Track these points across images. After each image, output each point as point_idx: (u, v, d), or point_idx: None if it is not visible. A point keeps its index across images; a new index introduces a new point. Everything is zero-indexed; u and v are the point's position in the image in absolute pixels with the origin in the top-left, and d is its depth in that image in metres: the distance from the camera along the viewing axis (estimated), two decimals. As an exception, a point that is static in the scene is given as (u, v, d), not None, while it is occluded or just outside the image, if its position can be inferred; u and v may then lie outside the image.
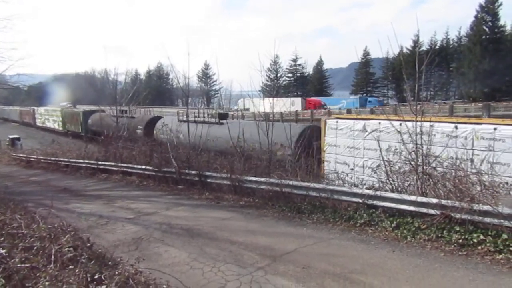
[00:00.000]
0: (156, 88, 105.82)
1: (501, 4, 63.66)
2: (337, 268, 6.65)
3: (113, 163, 18.76)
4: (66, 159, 22.88)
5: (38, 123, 62.68)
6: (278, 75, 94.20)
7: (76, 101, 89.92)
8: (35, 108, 68.94)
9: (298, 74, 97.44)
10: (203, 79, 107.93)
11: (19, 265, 5.13)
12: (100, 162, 19.60)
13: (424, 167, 9.48)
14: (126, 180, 17.13)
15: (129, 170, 17.51)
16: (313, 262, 6.94)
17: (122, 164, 18.08)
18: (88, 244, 6.60)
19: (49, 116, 57.39)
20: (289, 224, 9.45)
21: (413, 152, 9.85)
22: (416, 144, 9.83)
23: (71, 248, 6.08)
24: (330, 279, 6.24)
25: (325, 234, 8.55)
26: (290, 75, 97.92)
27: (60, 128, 51.60)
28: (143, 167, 16.54)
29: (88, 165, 20.31)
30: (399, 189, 9.61)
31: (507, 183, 8.73)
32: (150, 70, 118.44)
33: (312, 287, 6.03)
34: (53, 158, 24.53)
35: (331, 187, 10.27)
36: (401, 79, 53.60)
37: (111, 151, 20.37)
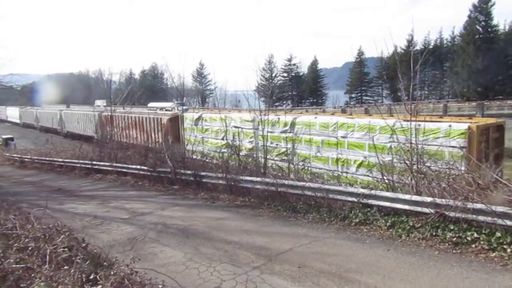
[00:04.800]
0: (151, 87, 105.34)
1: (494, 4, 64.13)
2: (332, 267, 6.67)
3: (107, 163, 18.69)
4: (60, 159, 22.75)
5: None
6: (273, 74, 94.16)
7: (69, 101, 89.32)
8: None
9: (293, 74, 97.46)
10: (198, 79, 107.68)
11: (13, 265, 5.11)
12: (94, 162, 19.51)
13: (419, 166, 9.54)
14: (121, 180, 17.07)
15: (124, 170, 17.45)
16: (309, 261, 6.97)
17: (117, 164, 18.01)
18: (83, 245, 6.57)
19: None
20: (285, 224, 9.47)
21: (408, 151, 9.91)
22: (411, 143, 9.89)
23: (66, 249, 6.06)
24: (325, 278, 6.27)
25: (320, 233, 8.58)
26: (285, 74, 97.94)
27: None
28: (138, 167, 16.49)
29: (83, 165, 20.22)
30: (394, 188, 9.66)
31: (500, 181, 8.82)
32: (145, 69, 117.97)
33: (308, 286, 6.05)
34: (47, 158, 24.38)
35: (326, 187, 10.30)
36: (395, 79, 53.77)
37: (105, 151, 20.30)
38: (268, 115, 15.87)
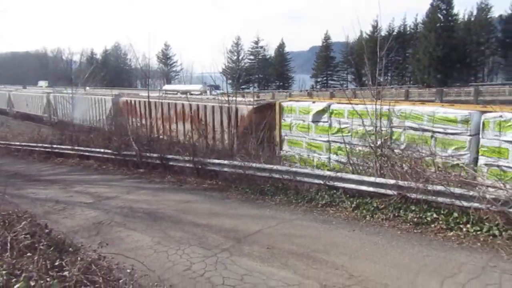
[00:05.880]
0: (114, 68, 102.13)
1: (455, -7, 66.19)
2: (300, 248, 6.82)
3: (69, 147, 18.06)
4: (17, 143, 21.73)
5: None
6: (240, 57, 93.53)
7: (26, 81, 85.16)
8: None
9: (260, 57, 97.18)
10: (163, 60, 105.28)
11: (-29, 254, 4.88)
12: (55, 146, 18.79)
13: (383, 150, 9.84)
14: (84, 164, 16.56)
15: (86, 153, 16.93)
16: (277, 243, 7.08)
17: (79, 148, 17.45)
18: (46, 231, 6.36)
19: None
20: (253, 206, 9.55)
21: (372, 135, 10.18)
22: (376, 127, 10.16)
23: (28, 235, 5.83)
24: (293, 259, 6.40)
25: (288, 215, 8.72)
26: (252, 57, 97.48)
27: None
28: (102, 150, 16.04)
29: (42, 149, 19.41)
30: (359, 170, 9.93)
31: (458, 164, 9.28)
32: (107, 49, 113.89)
33: (277, 266, 6.16)
34: (2, 142, 23.21)
35: (293, 169, 10.46)
36: (360, 64, 54.77)
37: (66, 134, 19.58)
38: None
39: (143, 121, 19.95)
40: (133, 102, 21.87)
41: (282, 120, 14.78)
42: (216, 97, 19.82)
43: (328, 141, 13.25)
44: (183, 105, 18.68)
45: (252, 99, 17.44)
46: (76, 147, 17.58)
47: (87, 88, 31.95)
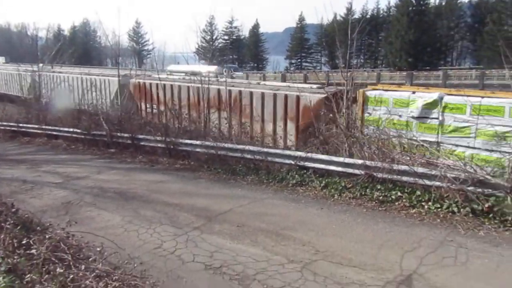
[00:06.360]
0: (83, 46, 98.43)
1: (427, -23, 66.94)
2: (270, 226, 7.00)
3: (36, 126, 17.49)
4: (-20, 122, 20.82)
5: None
6: (214, 37, 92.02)
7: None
8: None
9: (234, 37, 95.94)
10: (135, 38, 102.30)
11: None
12: (21, 125, 18.17)
13: (352, 131, 10.08)
14: (52, 144, 16.13)
15: (54, 133, 16.47)
16: (248, 221, 7.23)
17: (47, 127, 16.93)
18: (13, 210, 6.24)
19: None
20: (225, 186, 9.65)
21: (342, 117, 10.39)
22: (346, 109, 10.37)
23: (-7, 214, 5.74)
24: (263, 236, 6.57)
25: (259, 194, 8.88)
26: (226, 37, 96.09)
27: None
28: (71, 129, 15.63)
29: (7, 128, 18.72)
30: (329, 151, 10.16)
31: (422, 145, 9.61)
32: (75, 26, 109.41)
33: (246, 243, 6.32)
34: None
35: (265, 150, 10.57)
36: (333, 46, 55.04)
37: (33, 113, 18.94)
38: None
39: (161, 108, 17.08)
40: (147, 84, 18.40)
41: (366, 114, 11.45)
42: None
43: (437, 142, 10.17)
44: (218, 90, 15.19)
45: (312, 85, 14.41)
46: (44, 126, 17.04)
47: (89, 69, 27.39)
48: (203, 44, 79.67)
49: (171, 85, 17.09)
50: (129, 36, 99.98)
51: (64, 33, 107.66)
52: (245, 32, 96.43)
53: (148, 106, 18.11)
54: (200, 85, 15.27)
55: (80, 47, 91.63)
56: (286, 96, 12.97)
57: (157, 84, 17.43)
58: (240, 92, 14.41)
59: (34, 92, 27.18)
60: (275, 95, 13.33)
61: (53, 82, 25.93)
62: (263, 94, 13.71)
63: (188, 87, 16.41)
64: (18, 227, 5.39)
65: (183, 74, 32.22)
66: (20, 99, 27.32)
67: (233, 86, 15.36)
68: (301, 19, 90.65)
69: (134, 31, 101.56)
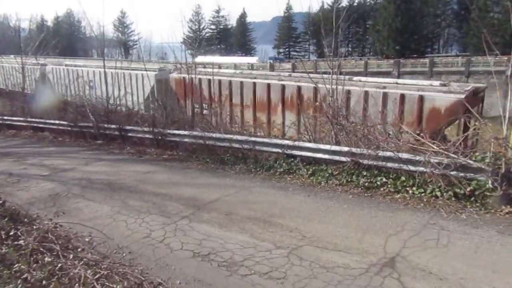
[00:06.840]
0: (67, 37, 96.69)
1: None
2: (257, 213, 7.09)
3: (21, 118, 17.28)
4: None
5: None
6: (201, 26, 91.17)
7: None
8: None
9: (221, 27, 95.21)
10: (120, 28, 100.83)
11: None
12: (6, 117, 17.92)
13: (339, 119, 10.18)
14: (38, 136, 15.99)
15: (40, 125, 16.30)
16: (236, 209, 7.32)
17: (32, 119, 16.74)
18: (0, 202, 6.23)
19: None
20: (213, 175, 9.71)
21: (329, 105, 10.47)
22: (331, 97, 10.45)
23: (-21, 207, 5.72)
24: (251, 223, 6.67)
25: (247, 183, 8.96)
26: (213, 27, 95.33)
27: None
28: (57, 121, 15.50)
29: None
30: (316, 139, 10.27)
31: (407, 132, 9.75)
32: (59, 16, 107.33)
33: (235, 231, 6.40)
34: None
35: (253, 139, 10.63)
36: (321, 35, 55.06)
37: (18, 105, 18.68)
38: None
39: (216, 108, 14.69)
40: (195, 80, 15.58)
41: None
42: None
43: None
44: (299, 88, 13.07)
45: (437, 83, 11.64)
46: (29, 119, 16.85)
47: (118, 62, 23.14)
48: (190, 34, 78.90)
49: (230, 81, 14.93)
50: (114, 26, 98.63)
51: (47, 24, 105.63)
52: (233, 22, 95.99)
53: (196, 105, 15.77)
54: (271, 81, 13.45)
55: (64, 38, 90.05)
56: (402, 96, 10.99)
57: (208, 81, 15.07)
58: (331, 90, 10.66)
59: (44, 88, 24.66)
60: (385, 94, 11.26)
61: (65, 77, 23.60)
62: (367, 93, 11.53)
63: (255, 83, 14.28)
64: (6, 219, 5.40)
65: (219, 66, 28.80)
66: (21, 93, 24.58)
67: (307, 82, 12.65)
68: (289, 8, 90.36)
69: (119, 21, 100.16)
